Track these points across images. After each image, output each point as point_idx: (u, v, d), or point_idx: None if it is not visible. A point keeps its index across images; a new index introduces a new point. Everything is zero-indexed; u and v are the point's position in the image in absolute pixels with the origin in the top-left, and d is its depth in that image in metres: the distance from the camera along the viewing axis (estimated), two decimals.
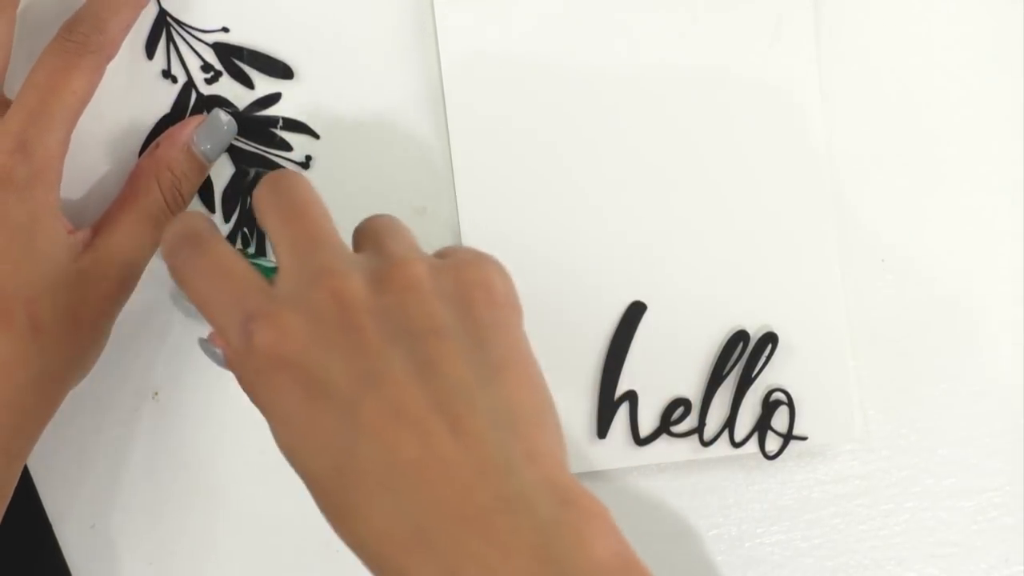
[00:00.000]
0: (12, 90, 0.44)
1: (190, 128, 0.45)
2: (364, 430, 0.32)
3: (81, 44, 0.42)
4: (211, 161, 0.46)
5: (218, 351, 0.38)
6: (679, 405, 0.48)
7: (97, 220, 0.44)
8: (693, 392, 0.48)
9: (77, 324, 0.41)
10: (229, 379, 0.48)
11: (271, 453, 0.48)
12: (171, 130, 0.45)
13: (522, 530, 0.31)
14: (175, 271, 0.37)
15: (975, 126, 0.50)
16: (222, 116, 0.45)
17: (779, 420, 0.48)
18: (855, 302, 0.49)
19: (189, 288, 0.37)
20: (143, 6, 0.44)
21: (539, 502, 0.32)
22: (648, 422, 0.48)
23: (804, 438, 0.48)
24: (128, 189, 0.45)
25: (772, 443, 0.48)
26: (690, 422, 0.48)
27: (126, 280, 0.43)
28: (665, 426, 0.48)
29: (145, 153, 0.46)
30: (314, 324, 0.33)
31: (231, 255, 0.36)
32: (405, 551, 0.32)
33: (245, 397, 0.48)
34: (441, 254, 0.37)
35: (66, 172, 0.43)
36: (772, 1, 0.48)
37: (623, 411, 0.48)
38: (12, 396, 0.40)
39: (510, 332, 0.36)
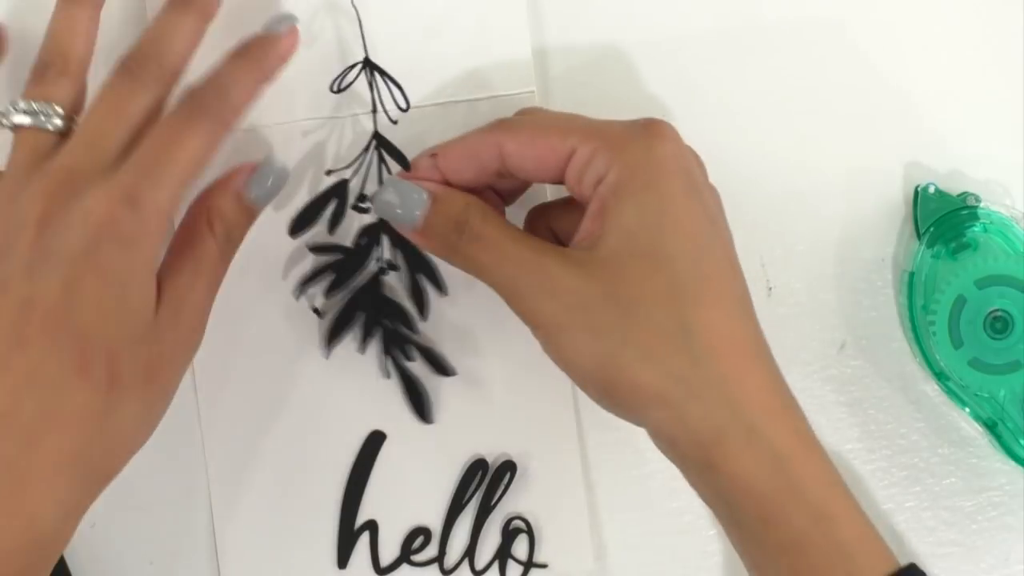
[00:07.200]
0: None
1: (241, 176, 0.43)
2: (723, 240, 0.41)
3: (202, 108, 0.41)
4: (261, 208, 0.44)
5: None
6: (420, 533, 0.48)
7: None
8: (433, 520, 0.48)
9: (150, 381, 0.40)
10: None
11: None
12: (222, 178, 0.44)
13: None
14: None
15: (971, 130, 0.50)
16: (274, 165, 0.44)
17: (520, 547, 0.48)
18: (856, 302, 0.49)
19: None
20: (267, 79, 0.43)
21: None
22: (389, 551, 0.47)
23: (544, 565, 0.48)
24: (181, 239, 0.43)
25: (513, 571, 0.48)
26: (431, 550, 0.48)
27: (194, 334, 0.42)
28: (406, 555, 0.47)
29: (194, 200, 0.43)
30: None
31: None
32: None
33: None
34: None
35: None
36: None
37: (364, 541, 0.48)
38: (81, 447, 0.38)
39: None
